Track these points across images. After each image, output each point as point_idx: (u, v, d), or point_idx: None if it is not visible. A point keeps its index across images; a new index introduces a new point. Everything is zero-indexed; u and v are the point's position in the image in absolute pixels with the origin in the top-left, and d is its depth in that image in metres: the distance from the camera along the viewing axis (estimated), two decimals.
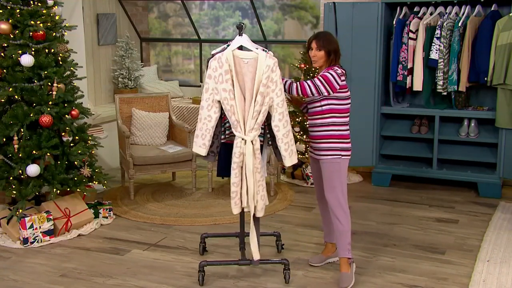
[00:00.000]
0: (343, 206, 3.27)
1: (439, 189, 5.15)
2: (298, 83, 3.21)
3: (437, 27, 4.83)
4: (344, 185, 3.28)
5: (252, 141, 3.11)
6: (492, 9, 4.82)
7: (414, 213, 4.53)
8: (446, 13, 4.94)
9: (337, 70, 3.20)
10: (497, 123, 4.75)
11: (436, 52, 4.82)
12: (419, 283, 3.33)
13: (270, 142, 3.36)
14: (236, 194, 3.15)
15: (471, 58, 4.81)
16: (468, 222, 4.32)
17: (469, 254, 3.73)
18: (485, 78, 4.75)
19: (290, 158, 3.25)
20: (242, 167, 3.13)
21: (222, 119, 3.28)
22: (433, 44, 4.84)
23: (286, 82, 3.23)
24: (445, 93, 4.95)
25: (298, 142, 5.37)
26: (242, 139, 3.11)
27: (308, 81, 3.19)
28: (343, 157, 3.25)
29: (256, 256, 3.22)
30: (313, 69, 5.31)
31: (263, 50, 3.20)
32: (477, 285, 3.29)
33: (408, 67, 4.99)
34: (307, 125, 3.42)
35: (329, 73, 3.16)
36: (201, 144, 3.24)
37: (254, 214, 3.20)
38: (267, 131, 3.31)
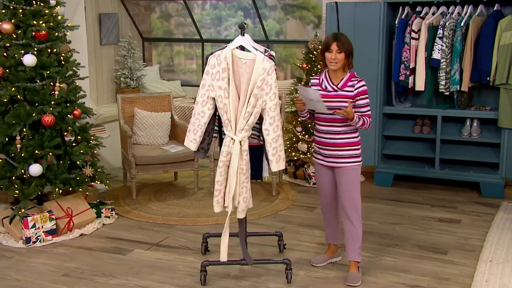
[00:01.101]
0: (358, 211, 3.29)
1: (441, 189, 5.14)
2: (367, 119, 3.19)
3: (440, 27, 4.82)
4: (360, 189, 3.30)
5: (240, 142, 3.12)
6: (495, 8, 4.81)
7: (416, 213, 4.53)
8: (449, 12, 4.93)
9: (360, 77, 3.22)
10: (500, 123, 4.73)
11: (438, 52, 4.81)
12: (421, 283, 3.33)
13: None
14: (219, 193, 3.18)
15: (473, 58, 4.80)
16: (471, 222, 4.32)
17: (471, 254, 3.72)
18: (488, 78, 4.74)
19: (277, 164, 3.22)
20: (228, 166, 3.14)
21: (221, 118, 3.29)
22: (435, 44, 4.83)
23: (359, 120, 3.17)
24: (447, 93, 4.94)
25: (300, 142, 5.37)
26: (232, 138, 3.12)
27: (368, 107, 3.20)
28: (361, 162, 3.28)
29: (223, 257, 3.22)
30: (315, 68, 5.31)
31: (265, 50, 3.20)
32: (480, 285, 3.29)
33: (411, 67, 4.98)
34: (318, 130, 3.30)
35: (364, 86, 3.20)
36: (192, 139, 3.27)
37: (237, 215, 3.23)
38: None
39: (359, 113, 3.20)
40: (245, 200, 3.18)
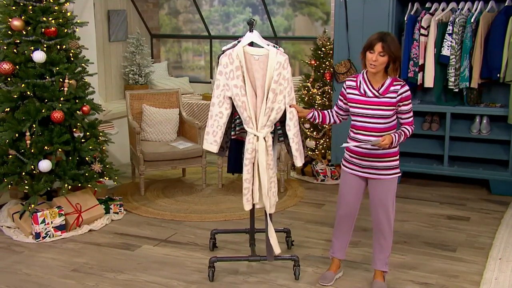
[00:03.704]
0: (391, 223, 3.13)
1: (450, 186, 5.11)
2: (408, 128, 2.99)
3: (449, 23, 4.78)
4: (395, 202, 3.13)
5: (264, 138, 3.10)
6: (506, 4, 4.76)
7: (425, 210, 4.51)
8: (458, 9, 4.89)
9: (403, 81, 2.97)
10: (510, 120, 4.70)
11: (447, 49, 4.78)
12: (430, 281, 3.32)
13: (280, 139, 3.35)
14: (248, 191, 3.14)
15: (483, 54, 4.77)
16: (480, 220, 4.29)
17: (480, 251, 3.70)
18: (498, 75, 4.70)
19: (300, 158, 3.22)
20: (253, 163, 3.13)
21: (233, 115, 3.28)
22: (444, 40, 4.80)
23: (400, 137, 2.95)
24: (456, 90, 4.90)
25: (308, 139, 5.36)
26: (255, 135, 3.10)
27: (410, 113, 2.98)
28: (399, 174, 3.10)
29: (277, 250, 3.20)
30: (323, 65, 5.29)
31: (274, 46, 3.19)
32: (489, 283, 3.27)
33: (419, 64, 4.95)
34: (354, 139, 3.05)
35: (408, 91, 2.94)
36: (212, 141, 3.23)
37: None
38: (278, 128, 3.30)
39: (401, 120, 3.00)
40: (274, 194, 3.18)
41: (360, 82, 3.01)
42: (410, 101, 2.97)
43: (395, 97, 2.94)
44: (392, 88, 2.94)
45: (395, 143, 2.95)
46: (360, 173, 3.09)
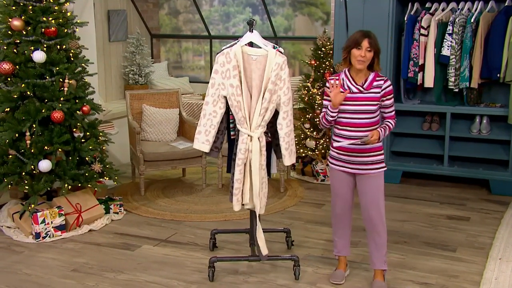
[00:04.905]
0: (383, 219, 3.13)
1: (450, 186, 5.11)
2: (391, 122, 3.09)
3: (449, 23, 4.79)
4: (384, 197, 3.16)
5: (258, 138, 3.11)
6: (506, 4, 4.76)
7: (425, 210, 4.51)
8: (459, 9, 4.89)
9: (385, 77, 3.08)
10: (510, 120, 4.70)
11: (447, 49, 4.78)
12: (429, 281, 3.32)
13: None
14: (239, 191, 3.15)
15: (483, 54, 4.77)
16: (480, 220, 4.29)
17: (480, 251, 3.70)
18: (498, 75, 4.70)
19: (289, 158, 3.22)
20: (245, 163, 3.13)
21: (231, 116, 3.28)
22: (444, 40, 4.80)
23: (385, 132, 3.05)
24: (456, 90, 4.91)
25: (308, 139, 5.36)
26: (249, 135, 3.11)
27: (393, 107, 3.09)
28: (385, 168, 3.13)
29: (265, 251, 3.21)
30: (323, 65, 5.29)
31: (274, 46, 3.19)
32: (489, 283, 3.27)
33: (419, 64, 4.95)
34: (339, 135, 3.10)
35: (391, 86, 3.05)
36: (204, 140, 3.22)
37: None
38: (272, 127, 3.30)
39: (384, 114, 3.10)
40: (265, 195, 3.19)
41: (343, 79, 3.08)
42: (392, 95, 3.09)
43: (379, 92, 3.04)
44: (375, 83, 3.05)
45: (381, 138, 3.06)
46: (348, 169, 3.13)
